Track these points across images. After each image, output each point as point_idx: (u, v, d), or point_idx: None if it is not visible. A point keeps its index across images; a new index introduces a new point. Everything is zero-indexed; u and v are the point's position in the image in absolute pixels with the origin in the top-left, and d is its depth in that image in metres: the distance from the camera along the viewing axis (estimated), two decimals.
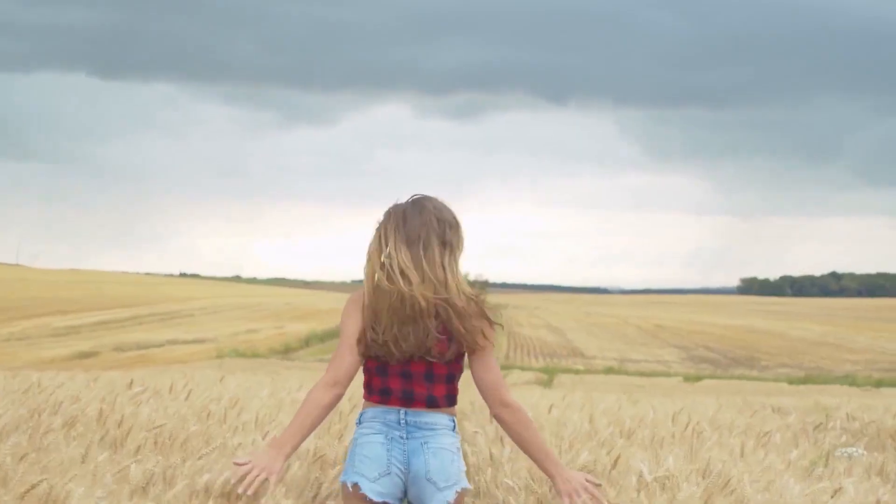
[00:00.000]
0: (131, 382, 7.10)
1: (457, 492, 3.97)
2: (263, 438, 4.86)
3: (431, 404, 4.00)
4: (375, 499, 3.94)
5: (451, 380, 4.07)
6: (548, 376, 54.44)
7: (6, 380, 8.50)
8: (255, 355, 64.48)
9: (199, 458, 3.96)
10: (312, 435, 4.40)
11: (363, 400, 4.10)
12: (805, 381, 58.02)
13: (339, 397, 4.04)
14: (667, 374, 62.60)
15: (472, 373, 4.06)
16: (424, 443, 3.98)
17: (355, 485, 3.95)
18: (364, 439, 4.00)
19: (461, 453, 4.10)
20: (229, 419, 5.38)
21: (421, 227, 4.01)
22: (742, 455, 4.86)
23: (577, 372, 61.20)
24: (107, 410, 4.96)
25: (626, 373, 62.83)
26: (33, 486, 2.81)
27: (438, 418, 4.01)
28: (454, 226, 4.09)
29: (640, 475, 3.98)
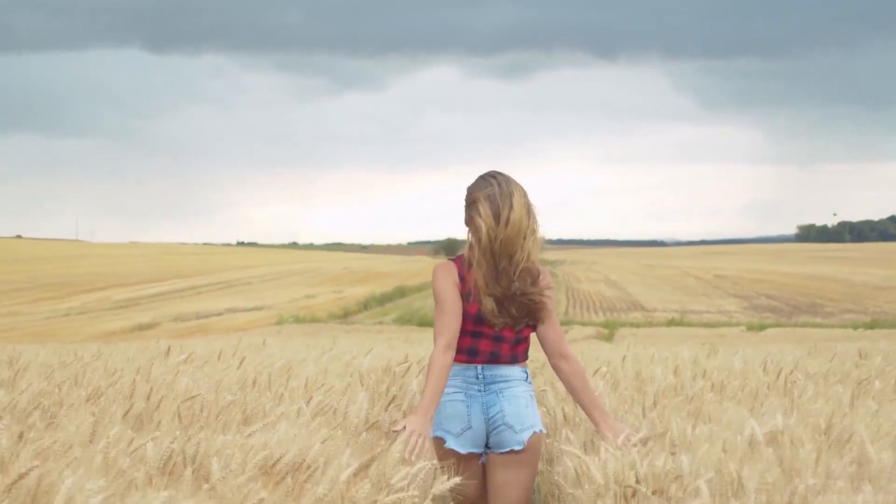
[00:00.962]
0: (168, 350, 6.67)
1: (533, 433, 4.38)
2: (307, 405, 4.36)
3: (512, 361, 4.46)
4: (461, 451, 4.37)
5: (527, 339, 4.52)
6: (608, 330, 53.92)
7: (48, 355, 8.11)
8: (314, 320, 64.39)
9: (235, 432, 3.52)
10: None
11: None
12: (872, 325, 57.09)
13: (454, 357, 4.35)
14: (729, 324, 61.86)
15: (537, 331, 4.50)
16: (500, 392, 4.39)
17: (441, 439, 4.40)
18: (446, 398, 4.39)
19: (535, 401, 4.50)
20: (275, 387, 4.91)
21: (512, 209, 4.35)
22: (852, 406, 4.33)
23: (638, 325, 60.50)
24: (139, 382, 4.52)
25: (689, 324, 62.11)
26: (21, 477, 2.34)
27: (511, 371, 4.44)
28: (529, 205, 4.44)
29: (752, 432, 3.45)
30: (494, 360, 4.41)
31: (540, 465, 4.76)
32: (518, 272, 4.34)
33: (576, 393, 4.47)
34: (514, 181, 4.42)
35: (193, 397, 4.10)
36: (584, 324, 62.16)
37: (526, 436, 4.34)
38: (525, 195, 4.38)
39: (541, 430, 4.42)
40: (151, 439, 3.03)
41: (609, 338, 48.88)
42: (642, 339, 43.20)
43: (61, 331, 58.83)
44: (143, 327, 62.72)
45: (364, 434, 4.08)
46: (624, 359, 6.92)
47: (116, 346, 11.40)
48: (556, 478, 4.25)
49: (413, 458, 3.81)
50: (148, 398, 4.13)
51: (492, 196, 4.34)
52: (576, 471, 3.70)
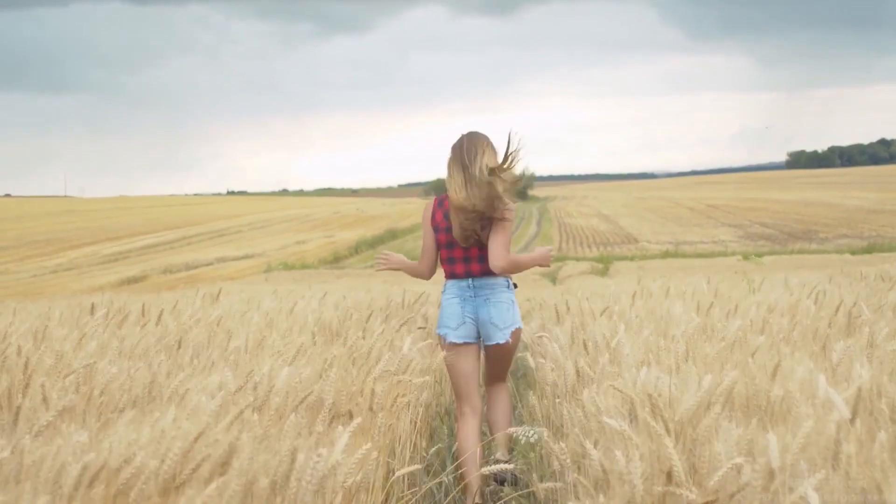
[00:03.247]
0: (92, 307, 5.70)
1: (512, 331, 5.73)
2: (233, 374, 3.38)
3: (487, 273, 5.79)
4: (458, 341, 5.79)
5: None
6: (603, 265, 53.18)
7: None
8: (304, 266, 63.45)
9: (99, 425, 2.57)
10: None
11: (444, 278, 5.95)
12: (869, 250, 56.44)
13: (432, 273, 6.00)
14: (724, 254, 61.08)
15: (488, 244, 5.74)
16: (486, 298, 5.77)
17: (443, 336, 5.84)
18: (446, 302, 5.86)
19: (516, 305, 5.86)
20: (204, 351, 3.94)
21: (466, 154, 5.70)
22: None
23: (632, 258, 59.62)
24: (30, 349, 3.57)
25: (684, 255, 61.30)
26: None
27: (496, 280, 5.80)
28: (487, 145, 5.76)
29: (824, 392, 2.52)
30: (472, 275, 5.78)
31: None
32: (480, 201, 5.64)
33: (520, 270, 5.89)
34: (475, 139, 5.75)
35: (78, 370, 3.12)
36: (577, 258, 61.36)
37: (508, 332, 5.73)
38: (484, 148, 5.71)
39: (519, 327, 5.80)
40: None
41: (604, 272, 48.11)
42: (638, 272, 42.38)
43: (48, 288, 57.80)
44: (131, 281, 61.75)
45: (293, 417, 3.05)
46: (634, 295, 5.96)
47: (57, 302, 10.39)
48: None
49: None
50: (25, 370, 3.16)
51: (455, 156, 5.74)
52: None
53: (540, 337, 4.74)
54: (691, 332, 4.02)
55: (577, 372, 3.88)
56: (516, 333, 5.74)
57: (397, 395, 4.01)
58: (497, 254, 5.67)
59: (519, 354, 6.03)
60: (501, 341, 5.69)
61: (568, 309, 5.88)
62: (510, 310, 5.72)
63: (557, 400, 4.12)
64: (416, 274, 6.02)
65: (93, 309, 5.66)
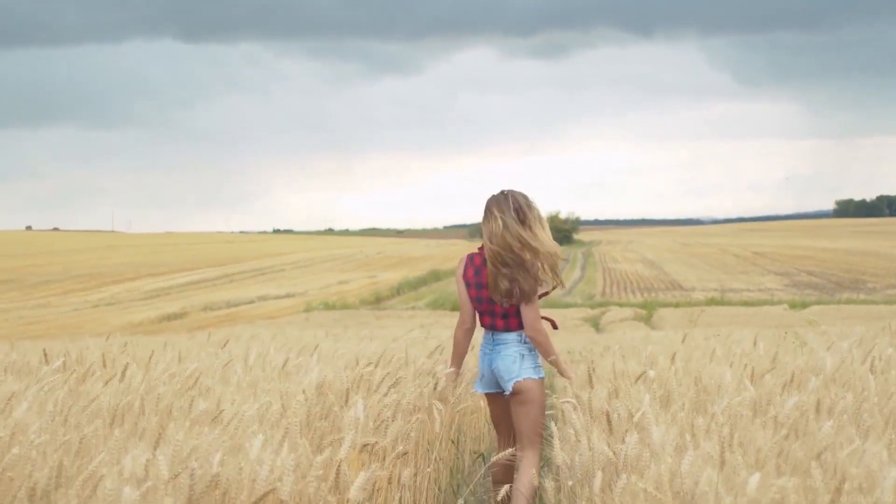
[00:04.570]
0: (45, 355, 5.12)
1: (516, 381, 5.84)
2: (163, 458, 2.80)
3: (507, 329, 5.94)
4: (482, 390, 6.15)
5: (517, 314, 5.91)
6: (647, 311, 52.42)
7: None
8: (345, 306, 63.03)
9: None
10: None
11: None
12: None
13: (473, 322, 6.15)
14: (771, 302, 60.07)
15: (521, 310, 5.90)
16: (498, 352, 5.96)
17: (475, 385, 6.24)
18: (479, 355, 6.14)
19: (527, 358, 5.93)
20: (155, 417, 3.37)
21: (500, 213, 5.83)
22: None
23: (677, 305, 58.73)
24: None
25: (729, 303, 60.29)
26: None
27: (508, 336, 5.95)
28: (526, 206, 5.85)
29: None
30: (495, 328, 5.97)
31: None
32: (509, 267, 5.81)
33: (543, 354, 5.94)
34: (507, 200, 5.87)
35: None
36: (621, 304, 60.64)
37: (510, 384, 5.87)
38: (515, 211, 5.82)
39: (526, 378, 5.85)
40: None
41: (647, 319, 47.39)
42: (683, 320, 41.58)
43: (88, 322, 57.79)
44: (171, 317, 61.61)
45: None
46: (674, 357, 5.35)
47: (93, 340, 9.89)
48: None
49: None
50: None
51: (486, 217, 5.90)
52: None
53: (564, 403, 4.16)
54: (738, 406, 3.42)
55: (592, 450, 3.29)
56: (525, 385, 5.84)
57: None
58: (528, 323, 5.87)
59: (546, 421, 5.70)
60: (507, 392, 5.89)
61: (595, 372, 5.24)
62: (517, 361, 5.89)
63: (570, 484, 3.53)
64: (462, 333, 6.20)
65: (46, 358, 5.08)
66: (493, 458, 5.59)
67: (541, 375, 5.90)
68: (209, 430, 3.16)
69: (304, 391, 4.24)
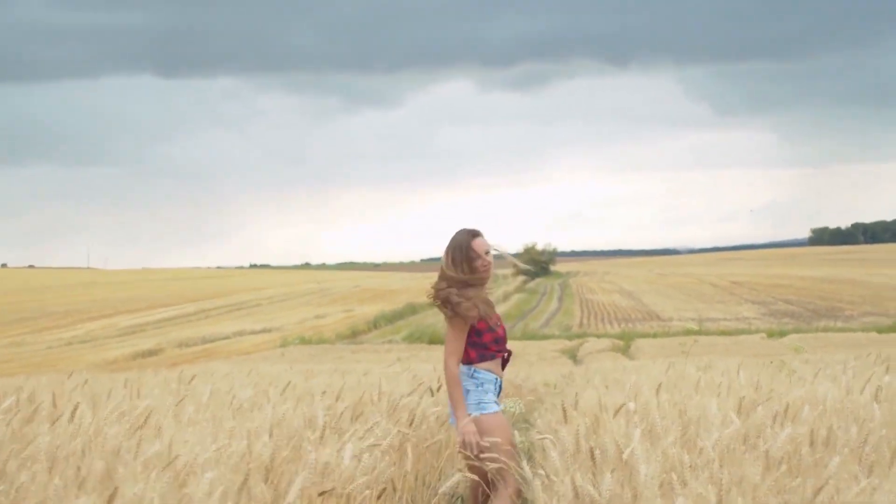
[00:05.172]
0: None
1: (459, 416, 5.84)
2: None
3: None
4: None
5: (470, 345, 6.04)
6: (624, 342, 52.24)
7: None
8: (321, 341, 62.58)
9: None
10: None
11: None
12: None
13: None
14: (748, 331, 59.97)
15: None
16: None
17: None
18: None
19: (475, 391, 5.91)
20: (91, 461, 3.08)
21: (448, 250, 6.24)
22: None
23: (655, 335, 58.54)
24: None
25: (707, 332, 60.15)
26: None
27: (463, 369, 6.02)
28: (455, 246, 6.19)
29: None
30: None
31: None
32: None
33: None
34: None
35: None
36: (598, 335, 60.40)
37: (452, 419, 5.93)
38: (449, 250, 6.21)
39: (469, 413, 5.81)
40: None
41: (625, 349, 47.18)
42: (661, 351, 41.34)
43: (62, 360, 57.14)
44: (145, 354, 61.01)
45: None
46: (659, 389, 5.10)
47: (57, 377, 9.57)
48: None
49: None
50: None
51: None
52: None
53: (542, 439, 3.89)
54: (726, 442, 3.16)
55: (576, 493, 3.02)
56: (464, 421, 5.80)
57: None
58: (444, 355, 6.10)
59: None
60: (452, 423, 5.94)
61: (576, 405, 4.97)
62: (466, 398, 5.90)
63: None
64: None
65: None
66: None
67: (485, 412, 5.83)
68: (158, 476, 2.89)
69: (269, 432, 3.97)
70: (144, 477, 2.90)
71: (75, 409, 4.29)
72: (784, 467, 2.62)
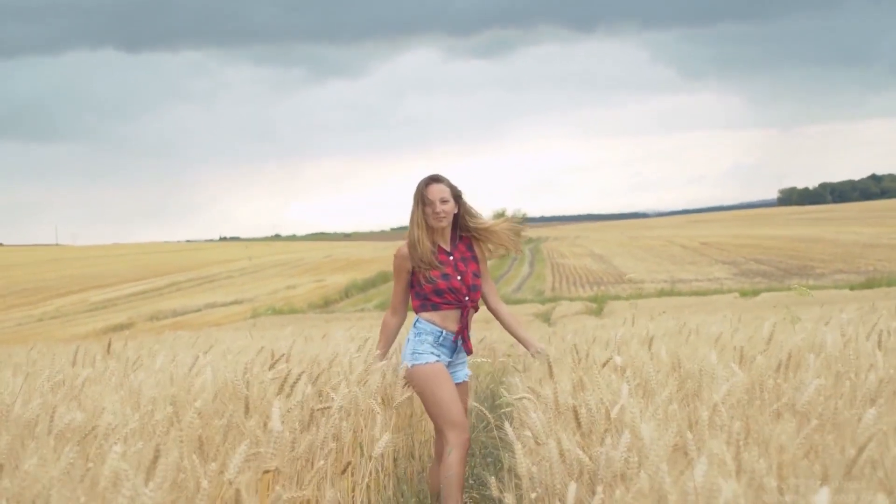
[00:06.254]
0: None
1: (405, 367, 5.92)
2: None
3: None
4: None
5: (415, 295, 6.09)
6: (597, 304, 52.16)
7: None
8: (292, 311, 62.32)
9: None
10: None
11: None
12: (869, 285, 55.35)
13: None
14: (721, 291, 60.04)
15: None
16: None
17: None
18: None
19: (413, 340, 5.93)
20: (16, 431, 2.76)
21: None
22: None
23: (627, 297, 58.49)
24: None
25: (679, 293, 60.18)
26: None
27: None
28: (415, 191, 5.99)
29: None
30: None
31: None
32: None
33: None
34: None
35: None
36: (571, 299, 60.36)
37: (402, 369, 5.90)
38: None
39: (404, 364, 5.86)
40: None
41: (598, 312, 47.07)
42: (634, 312, 41.10)
43: (31, 336, 56.42)
44: (116, 328, 60.50)
45: None
46: (651, 340, 4.75)
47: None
48: None
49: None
50: None
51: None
52: None
53: (520, 399, 3.55)
54: (735, 395, 2.80)
55: (562, 455, 2.69)
56: (406, 373, 5.85)
57: None
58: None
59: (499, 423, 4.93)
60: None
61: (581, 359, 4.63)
62: (405, 346, 5.94)
63: (534, 496, 2.92)
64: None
65: None
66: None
67: (417, 362, 5.80)
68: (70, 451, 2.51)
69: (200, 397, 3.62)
70: (53, 452, 2.55)
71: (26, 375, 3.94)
72: (814, 422, 2.29)
